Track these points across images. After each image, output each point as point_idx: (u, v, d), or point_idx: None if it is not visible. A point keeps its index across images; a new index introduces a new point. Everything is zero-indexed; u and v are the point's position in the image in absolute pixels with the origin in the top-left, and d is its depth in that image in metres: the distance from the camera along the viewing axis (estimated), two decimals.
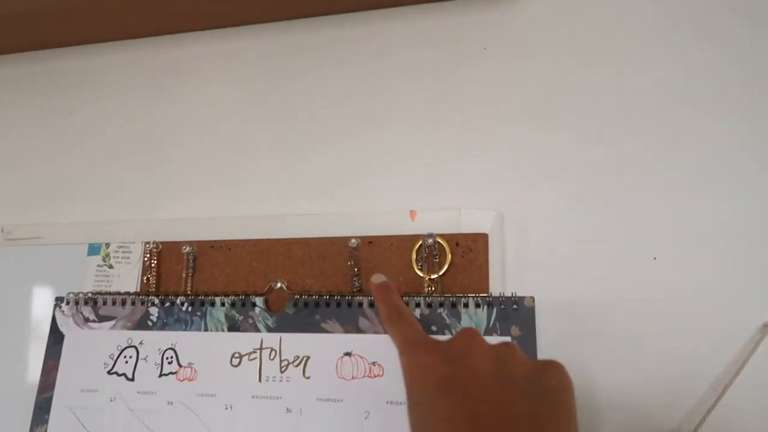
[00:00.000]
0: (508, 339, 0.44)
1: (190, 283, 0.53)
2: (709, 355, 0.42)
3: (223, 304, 0.50)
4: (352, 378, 0.46)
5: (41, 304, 0.55)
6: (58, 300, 0.54)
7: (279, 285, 0.50)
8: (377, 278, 0.45)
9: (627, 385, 0.43)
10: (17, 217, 0.59)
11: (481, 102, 0.52)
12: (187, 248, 0.53)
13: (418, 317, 0.46)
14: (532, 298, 0.45)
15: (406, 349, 0.37)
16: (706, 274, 0.44)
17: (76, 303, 0.53)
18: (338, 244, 0.51)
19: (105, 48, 0.63)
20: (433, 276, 0.48)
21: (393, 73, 0.54)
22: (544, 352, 0.43)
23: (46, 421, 0.51)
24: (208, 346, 0.50)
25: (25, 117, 0.63)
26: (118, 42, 0.63)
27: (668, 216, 0.46)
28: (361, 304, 0.48)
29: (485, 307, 0.45)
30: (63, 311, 0.53)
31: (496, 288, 0.46)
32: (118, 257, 0.55)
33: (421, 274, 0.48)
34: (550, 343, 0.44)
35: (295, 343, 0.48)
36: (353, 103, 0.54)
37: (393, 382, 0.45)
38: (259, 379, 0.48)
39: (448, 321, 0.46)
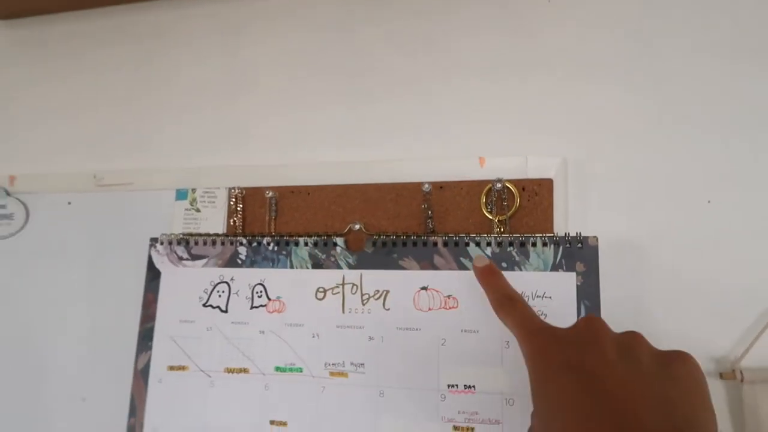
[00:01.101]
0: (573, 274, 0.49)
1: (274, 225, 0.57)
2: (757, 288, 0.46)
3: (306, 244, 0.55)
4: (429, 309, 0.51)
5: (133, 245, 0.60)
6: (153, 240, 0.59)
7: (357, 226, 0.55)
8: (480, 260, 0.45)
9: (681, 316, 0.48)
10: (108, 164, 0.63)
11: (545, 54, 0.55)
12: (270, 193, 0.57)
13: (490, 255, 0.50)
14: (596, 237, 0.49)
15: (527, 336, 0.37)
16: (760, 216, 0.47)
17: (170, 243, 0.58)
18: (411, 188, 0.55)
19: (179, 2, 0.66)
20: (501, 218, 0.52)
21: (462, 27, 0.57)
22: (605, 289, 0.48)
23: (150, 348, 0.57)
24: (294, 282, 0.55)
25: (113, 69, 0.67)
26: None
27: (723, 160, 0.49)
28: (435, 244, 0.52)
29: (552, 246, 0.50)
30: (158, 251, 0.58)
31: (560, 229, 0.50)
32: (204, 201, 0.59)
33: (490, 217, 0.53)
34: (611, 279, 0.48)
35: (375, 278, 0.53)
36: (425, 55, 0.57)
37: (467, 313, 0.50)
38: (343, 311, 0.53)
39: (517, 258, 0.50)
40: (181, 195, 0.60)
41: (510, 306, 0.40)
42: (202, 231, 0.59)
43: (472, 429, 0.48)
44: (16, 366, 0.61)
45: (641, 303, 0.49)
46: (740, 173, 0.49)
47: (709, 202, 0.49)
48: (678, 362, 0.32)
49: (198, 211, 0.59)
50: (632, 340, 0.34)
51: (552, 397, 0.32)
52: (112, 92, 0.66)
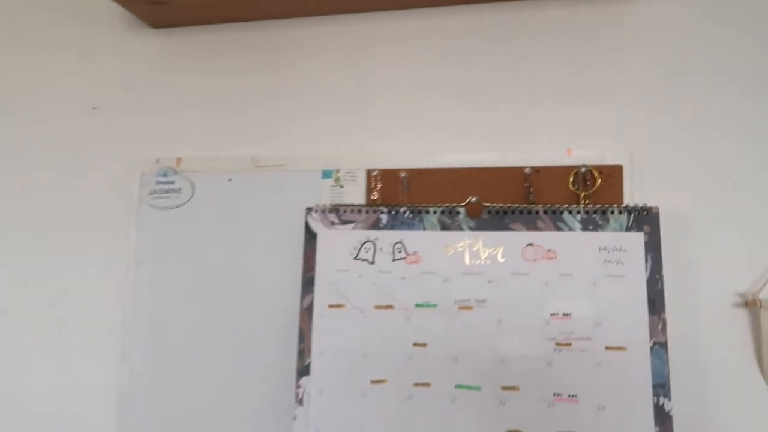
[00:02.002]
0: (641, 234, 0.68)
1: (406, 199, 0.75)
2: None
3: (435, 212, 0.73)
4: (534, 260, 0.70)
5: (286, 215, 0.77)
6: (309, 209, 0.76)
7: (474, 199, 0.73)
8: None
9: (716, 261, 0.68)
10: (264, 149, 0.79)
11: (618, 61, 0.74)
12: (403, 174, 0.75)
13: (578, 221, 0.69)
14: (657, 207, 0.69)
15: None
16: None
17: (323, 211, 0.75)
18: (515, 171, 0.74)
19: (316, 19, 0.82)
20: (586, 194, 0.71)
21: (543, 52, 0.76)
22: (664, 244, 0.67)
23: (312, 292, 0.74)
24: (427, 240, 0.73)
25: (262, 72, 0.82)
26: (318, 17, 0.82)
27: (751, 147, 0.69)
28: (537, 212, 0.71)
29: (625, 213, 0.69)
30: (314, 217, 0.75)
31: (629, 201, 0.70)
32: (347, 180, 0.77)
33: (576, 193, 0.72)
34: (668, 237, 0.68)
35: (491, 238, 0.72)
36: (518, 72, 0.76)
37: (564, 262, 0.69)
38: (467, 262, 0.71)
39: (600, 222, 0.69)
40: (326, 174, 0.77)
41: None
42: (345, 203, 0.76)
43: (569, 344, 0.67)
44: (197, 310, 0.77)
45: (688, 254, 0.69)
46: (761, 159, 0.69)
47: (734, 183, 0.69)
48: None
49: (342, 187, 0.76)
50: None
51: None
52: (266, 91, 0.82)
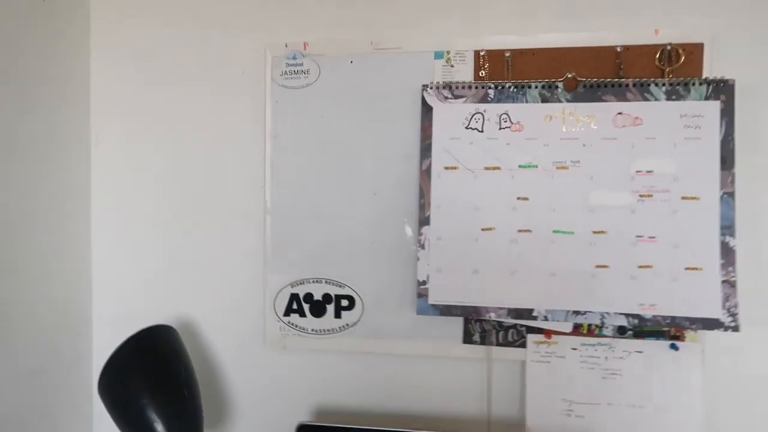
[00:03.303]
0: (718, 102, 0.80)
1: (510, 75, 0.87)
2: None
3: (536, 87, 0.85)
4: (623, 126, 0.83)
5: (403, 91, 0.89)
6: (424, 86, 0.88)
7: (571, 75, 0.85)
8: None
9: None
10: (382, 33, 0.90)
11: None
12: (508, 54, 0.86)
13: (663, 92, 0.81)
14: (733, 79, 0.80)
15: None
16: None
17: (437, 87, 0.87)
18: (607, 50, 0.84)
19: None
20: (670, 69, 0.83)
21: None
22: (738, 113, 0.79)
23: (430, 156, 0.87)
24: (529, 111, 0.85)
25: None
26: None
27: None
28: (627, 85, 0.82)
29: (705, 84, 0.81)
30: (429, 93, 0.87)
31: (708, 74, 0.81)
32: (456, 60, 0.88)
33: (662, 68, 0.83)
34: (741, 105, 0.80)
35: (586, 108, 0.84)
36: None
37: (649, 128, 0.81)
38: (564, 128, 0.84)
39: (682, 93, 0.81)
40: (438, 55, 0.88)
41: None
42: (455, 81, 0.87)
43: (651, 195, 0.81)
44: (326, 175, 0.91)
45: (758, 119, 0.81)
46: None
47: None
48: None
49: (452, 66, 0.88)
50: None
51: None
52: None
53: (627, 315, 0.81)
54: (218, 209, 0.95)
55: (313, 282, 0.92)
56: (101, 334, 0.99)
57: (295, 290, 0.92)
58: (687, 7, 0.83)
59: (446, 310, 0.85)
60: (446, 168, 0.86)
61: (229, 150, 0.95)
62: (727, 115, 0.79)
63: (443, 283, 0.85)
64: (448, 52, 0.87)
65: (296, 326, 0.92)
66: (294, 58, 0.90)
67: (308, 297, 0.92)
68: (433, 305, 0.85)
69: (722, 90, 0.79)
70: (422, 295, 0.86)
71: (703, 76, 0.81)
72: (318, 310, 0.92)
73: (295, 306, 0.92)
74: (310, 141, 0.91)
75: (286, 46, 0.91)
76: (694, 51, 0.82)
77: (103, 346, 0.94)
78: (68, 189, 0.94)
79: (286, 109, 0.92)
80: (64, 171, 0.93)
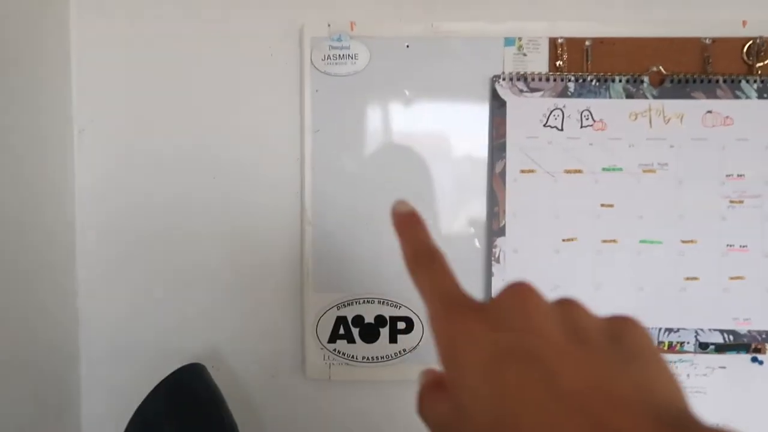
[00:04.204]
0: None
1: (589, 68, 0.78)
2: None
3: (620, 81, 0.76)
4: (712, 126, 0.76)
5: (469, 82, 0.78)
6: (495, 77, 0.77)
7: (657, 68, 0.77)
8: (401, 206, 0.34)
9: None
10: (443, 14, 0.78)
11: None
12: (588, 42, 0.77)
13: (755, 90, 0.75)
14: None
15: (441, 312, 0.28)
16: None
17: (510, 79, 0.77)
18: (694, 42, 0.77)
19: None
20: (760, 65, 0.77)
21: None
22: None
23: (504, 157, 0.77)
24: (613, 108, 0.76)
25: None
26: None
27: None
28: (717, 81, 0.76)
29: None
30: (501, 84, 0.77)
31: None
32: (530, 48, 0.78)
33: (750, 63, 0.77)
34: None
35: (674, 105, 0.76)
36: None
37: (741, 127, 0.75)
38: (650, 127, 0.76)
39: None
40: (509, 42, 0.78)
41: (428, 265, 0.31)
42: (528, 71, 0.77)
43: (742, 201, 0.76)
44: (379, 176, 0.78)
45: None
46: None
47: None
48: (629, 328, 0.27)
49: (525, 55, 0.77)
50: (571, 309, 0.28)
51: (490, 400, 0.23)
52: None
53: (722, 331, 0.75)
54: (244, 219, 0.80)
55: (364, 302, 0.79)
56: (92, 378, 0.80)
57: (342, 312, 0.79)
58: None
59: None
60: (522, 171, 0.76)
61: (256, 148, 0.79)
62: None
63: None
64: (520, 39, 0.77)
65: (343, 354, 0.79)
66: (339, 39, 0.76)
67: (358, 320, 0.79)
68: None
69: None
70: None
71: None
72: (370, 334, 0.79)
73: (342, 331, 0.79)
74: (358, 138, 0.78)
75: (329, 25, 0.76)
76: None
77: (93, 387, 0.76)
78: (51, 194, 0.74)
79: (330, 100, 0.77)
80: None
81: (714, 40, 0.77)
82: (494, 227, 0.76)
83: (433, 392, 0.28)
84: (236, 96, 0.78)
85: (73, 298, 0.79)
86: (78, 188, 0.79)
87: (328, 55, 0.77)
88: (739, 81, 0.75)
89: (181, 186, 0.79)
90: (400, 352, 0.79)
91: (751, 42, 0.76)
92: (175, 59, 0.78)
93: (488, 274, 0.76)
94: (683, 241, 0.76)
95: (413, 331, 0.79)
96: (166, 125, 0.79)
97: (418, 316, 0.78)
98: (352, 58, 0.77)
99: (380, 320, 0.79)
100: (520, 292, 0.28)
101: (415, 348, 0.79)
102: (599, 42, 0.77)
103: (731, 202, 0.75)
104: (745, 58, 0.77)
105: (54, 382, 0.75)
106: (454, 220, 0.78)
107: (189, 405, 0.67)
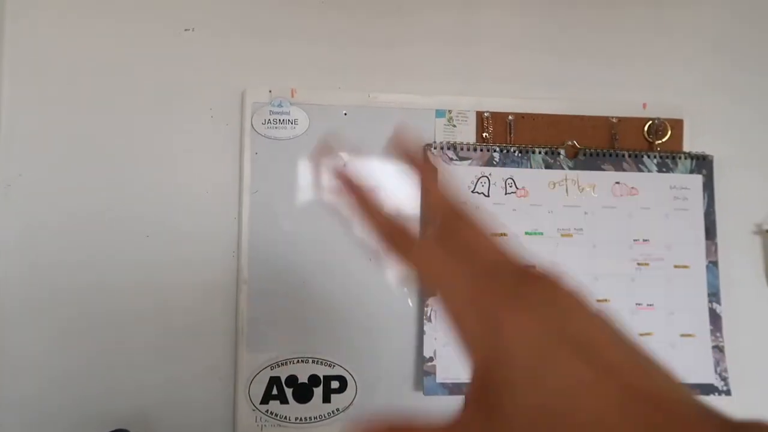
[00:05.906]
0: (700, 176, 0.85)
1: (512, 140, 0.85)
2: None
3: (540, 152, 0.84)
4: (621, 195, 0.85)
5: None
6: (428, 145, 0.82)
7: (572, 142, 0.85)
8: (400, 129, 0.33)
9: (745, 193, 0.87)
10: (379, 85, 0.83)
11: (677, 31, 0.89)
12: (510, 117, 0.84)
13: (655, 164, 0.85)
14: (712, 156, 0.86)
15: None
16: None
17: (441, 148, 0.82)
18: (603, 120, 0.86)
19: None
20: (659, 142, 0.87)
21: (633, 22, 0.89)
22: (717, 183, 0.85)
23: None
24: (534, 177, 0.83)
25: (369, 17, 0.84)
26: None
27: None
28: (623, 155, 0.85)
29: (689, 158, 0.86)
30: (433, 153, 0.82)
31: (689, 148, 0.86)
32: (459, 120, 0.84)
33: (650, 141, 0.87)
34: (720, 177, 0.86)
35: (587, 176, 0.84)
36: (609, 35, 0.88)
37: (643, 197, 0.84)
38: (567, 195, 0.84)
39: (671, 166, 0.85)
40: (440, 114, 0.84)
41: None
42: (458, 141, 0.83)
43: (648, 263, 0.83)
44: (313, 233, 0.80)
45: (732, 192, 0.87)
46: None
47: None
48: (542, 287, 0.25)
49: (454, 126, 0.84)
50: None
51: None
52: (381, 31, 0.85)
53: None
54: (177, 278, 0.79)
55: (298, 362, 0.79)
56: None
57: (275, 372, 0.79)
58: (668, 82, 0.88)
59: (456, 389, 0.78)
60: None
61: (193, 207, 0.80)
62: (708, 188, 0.84)
63: (453, 359, 0.78)
64: (450, 111, 0.83)
65: (276, 415, 0.79)
66: (280, 105, 0.79)
67: (292, 380, 0.79)
68: (441, 384, 0.78)
69: (703, 164, 0.85)
70: (429, 372, 0.78)
71: (683, 150, 0.86)
72: (303, 394, 0.79)
73: (275, 391, 0.79)
74: (296, 199, 0.80)
75: (270, 91, 0.80)
76: (676, 126, 0.87)
77: None
78: None
79: (269, 162, 0.80)
80: None
81: (620, 119, 0.86)
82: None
83: None
84: (175, 156, 0.79)
85: None
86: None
87: (269, 120, 0.79)
88: (642, 156, 0.84)
89: (112, 244, 0.77)
90: (333, 411, 0.79)
91: (650, 122, 0.86)
92: (111, 117, 0.78)
93: (420, 333, 0.79)
94: (598, 300, 0.81)
95: (347, 390, 0.80)
96: (98, 182, 0.78)
97: (351, 375, 0.79)
98: (291, 123, 0.80)
99: (314, 380, 0.79)
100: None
101: (348, 407, 0.80)
102: (521, 117, 0.84)
103: (638, 264, 0.83)
104: (646, 135, 0.86)
105: None
106: (388, 279, 0.80)
107: None
